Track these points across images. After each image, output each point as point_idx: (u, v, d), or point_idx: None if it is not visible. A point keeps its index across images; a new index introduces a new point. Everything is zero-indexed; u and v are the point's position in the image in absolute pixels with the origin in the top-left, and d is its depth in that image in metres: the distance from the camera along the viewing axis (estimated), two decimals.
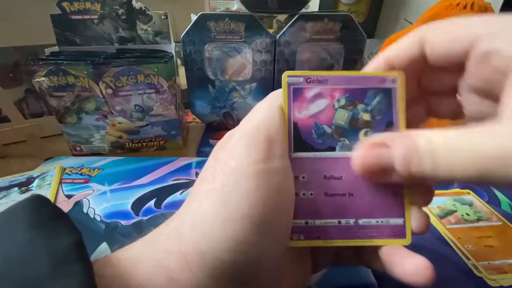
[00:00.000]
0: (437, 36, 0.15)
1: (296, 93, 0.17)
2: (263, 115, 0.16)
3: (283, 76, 0.17)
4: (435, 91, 0.18)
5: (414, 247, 0.16)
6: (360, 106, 0.17)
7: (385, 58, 0.17)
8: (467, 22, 0.14)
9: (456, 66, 0.15)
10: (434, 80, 0.17)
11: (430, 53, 0.16)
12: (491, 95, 0.14)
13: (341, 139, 0.17)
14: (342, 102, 0.17)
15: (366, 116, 0.17)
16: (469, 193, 0.35)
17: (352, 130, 0.17)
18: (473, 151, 0.12)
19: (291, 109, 0.17)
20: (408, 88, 0.17)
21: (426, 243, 0.28)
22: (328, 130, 0.17)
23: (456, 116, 0.17)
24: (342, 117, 0.17)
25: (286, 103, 0.17)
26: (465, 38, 0.14)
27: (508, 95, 0.12)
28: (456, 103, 0.17)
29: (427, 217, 0.17)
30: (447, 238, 0.29)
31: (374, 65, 0.17)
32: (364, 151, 0.15)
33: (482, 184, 0.12)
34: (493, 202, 0.34)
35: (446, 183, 0.13)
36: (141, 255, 0.15)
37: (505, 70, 0.13)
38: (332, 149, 0.17)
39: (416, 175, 0.13)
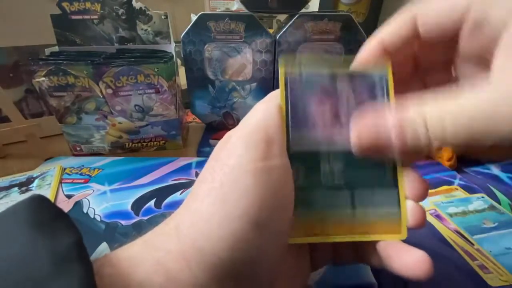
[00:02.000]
0: (428, 11, 0.15)
1: (292, 90, 0.17)
2: (262, 115, 0.16)
3: (280, 75, 0.17)
4: (430, 68, 0.18)
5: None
6: (353, 99, 0.17)
7: (379, 41, 0.17)
8: None
9: (449, 39, 0.15)
10: (429, 56, 0.17)
11: (423, 29, 0.16)
12: (485, 63, 0.14)
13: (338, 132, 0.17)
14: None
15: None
16: (457, 189, 0.35)
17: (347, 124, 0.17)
18: (463, 116, 0.12)
19: (288, 108, 0.17)
20: (404, 68, 0.17)
21: (426, 242, 0.28)
22: (325, 124, 0.17)
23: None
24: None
25: (283, 102, 0.17)
26: (456, 9, 0.14)
27: (498, 58, 0.13)
28: (452, 77, 0.17)
29: (422, 211, 0.17)
30: (448, 238, 0.29)
31: (368, 49, 0.17)
32: (359, 124, 0.15)
33: (474, 145, 0.13)
34: (493, 201, 0.34)
35: (441, 146, 0.14)
36: (141, 254, 0.15)
37: (496, 36, 0.13)
38: (329, 144, 0.17)
39: (411, 148, 0.14)
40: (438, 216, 0.31)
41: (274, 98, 0.17)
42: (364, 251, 0.19)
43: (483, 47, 0.14)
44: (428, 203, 0.33)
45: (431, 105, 0.13)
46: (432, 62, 0.18)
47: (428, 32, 0.16)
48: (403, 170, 0.17)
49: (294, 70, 0.17)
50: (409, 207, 0.17)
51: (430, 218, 0.31)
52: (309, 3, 0.42)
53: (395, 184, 0.17)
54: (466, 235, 0.29)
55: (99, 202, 0.34)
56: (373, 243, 0.18)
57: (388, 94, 0.17)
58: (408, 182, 0.17)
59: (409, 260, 0.16)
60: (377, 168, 0.17)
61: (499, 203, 0.34)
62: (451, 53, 0.16)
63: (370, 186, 0.17)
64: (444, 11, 0.15)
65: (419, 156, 0.18)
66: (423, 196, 0.17)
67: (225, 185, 0.14)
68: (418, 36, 0.16)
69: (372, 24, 0.75)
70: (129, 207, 0.33)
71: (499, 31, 0.13)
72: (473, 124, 0.12)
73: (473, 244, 0.28)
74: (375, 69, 0.17)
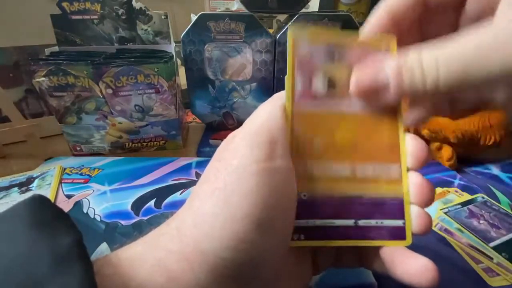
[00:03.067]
0: None
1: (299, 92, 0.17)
2: (266, 116, 0.16)
3: (286, 79, 0.17)
4: (436, 35, 0.18)
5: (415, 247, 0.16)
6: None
7: (386, 10, 0.17)
8: None
9: (457, 4, 0.16)
10: (435, 23, 0.18)
11: None
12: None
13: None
14: None
15: None
16: (449, 191, 0.35)
17: None
18: (455, 52, 0.13)
19: (293, 109, 0.17)
20: (410, 36, 0.18)
21: (427, 242, 0.28)
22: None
23: None
24: None
25: (289, 103, 0.17)
26: None
27: (499, 8, 0.13)
28: None
29: (428, 217, 0.17)
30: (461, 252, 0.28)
31: (377, 19, 0.18)
32: (359, 72, 0.16)
33: (467, 87, 0.13)
34: (493, 201, 0.34)
35: (436, 94, 0.14)
36: (142, 254, 0.15)
37: None
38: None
39: (408, 89, 0.14)
40: (446, 231, 0.30)
41: (279, 99, 0.17)
42: (366, 256, 0.19)
43: (491, 4, 0.14)
44: (433, 214, 0.32)
45: (428, 48, 0.14)
46: (438, 31, 0.18)
47: None
48: (409, 175, 0.17)
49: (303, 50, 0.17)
50: (414, 213, 0.17)
51: (439, 233, 0.30)
52: (309, 3, 0.42)
53: (400, 190, 0.17)
54: (481, 247, 0.28)
55: (99, 202, 0.34)
56: (376, 248, 0.17)
57: None
58: (413, 187, 0.17)
59: (413, 267, 0.15)
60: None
61: (499, 203, 0.34)
62: (458, 17, 0.17)
63: (374, 193, 0.17)
64: None
65: (420, 103, 0.18)
66: (429, 202, 0.17)
67: (228, 186, 0.14)
68: (425, 2, 0.17)
69: None
70: (129, 207, 0.33)
71: None
72: (466, 58, 0.13)
73: (492, 258, 0.27)
74: (380, 43, 0.17)
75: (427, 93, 0.14)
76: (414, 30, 0.18)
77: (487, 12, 0.15)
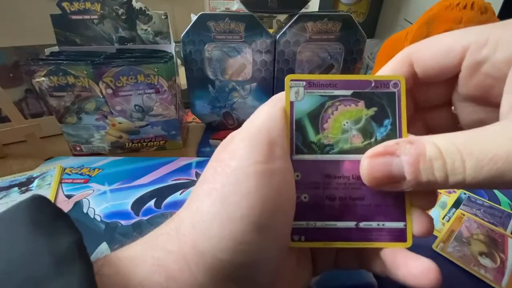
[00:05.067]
0: (425, 53, 0.16)
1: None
2: (266, 117, 0.16)
3: (286, 79, 0.17)
4: (430, 107, 0.18)
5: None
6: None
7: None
8: (453, 35, 0.15)
9: (447, 79, 0.16)
10: (428, 96, 0.18)
11: (421, 70, 0.16)
12: (486, 101, 0.15)
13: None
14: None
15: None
16: (440, 193, 0.35)
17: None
18: (484, 153, 0.12)
19: (293, 112, 0.17)
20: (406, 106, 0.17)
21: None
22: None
23: (453, 129, 0.18)
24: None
25: (288, 106, 0.17)
26: (454, 51, 0.15)
27: (507, 95, 0.13)
28: (452, 115, 0.18)
29: (430, 220, 0.17)
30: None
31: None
32: (371, 161, 0.15)
33: (495, 187, 0.12)
34: (493, 202, 0.34)
35: (457, 188, 0.14)
36: (141, 254, 0.15)
37: (497, 74, 0.13)
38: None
39: (426, 184, 0.13)
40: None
41: (278, 101, 0.17)
42: (367, 258, 0.19)
43: (484, 85, 0.14)
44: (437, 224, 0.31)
45: (446, 141, 0.13)
46: (431, 102, 0.18)
47: (426, 73, 0.16)
48: None
49: (300, 82, 0.17)
50: (415, 215, 0.17)
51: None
52: (309, 3, 0.42)
53: (401, 193, 0.17)
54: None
55: (99, 202, 0.34)
56: (377, 250, 0.17)
57: (400, 111, 0.17)
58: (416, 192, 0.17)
59: (415, 268, 0.15)
60: None
61: (499, 203, 0.34)
62: (450, 91, 0.17)
63: (375, 195, 0.17)
64: (442, 53, 0.15)
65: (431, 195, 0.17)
66: (431, 204, 0.17)
67: (226, 186, 0.14)
68: (415, 77, 0.17)
69: (372, 24, 0.75)
70: (129, 207, 0.33)
71: (503, 71, 0.13)
72: (497, 163, 0.11)
73: None
74: (388, 83, 0.17)
75: (445, 188, 0.13)
76: (407, 103, 0.18)
77: (482, 94, 0.15)
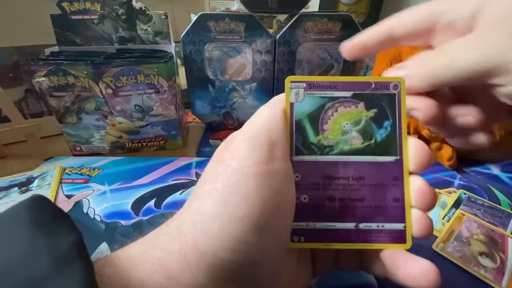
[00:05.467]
0: (404, 20, 0.19)
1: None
2: (266, 118, 0.16)
3: (286, 81, 0.17)
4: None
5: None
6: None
7: (360, 41, 0.20)
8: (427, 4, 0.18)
9: (421, 40, 0.18)
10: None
11: (400, 34, 0.19)
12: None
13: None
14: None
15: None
16: (440, 193, 0.35)
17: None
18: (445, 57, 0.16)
19: (293, 113, 0.17)
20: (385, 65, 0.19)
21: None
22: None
23: None
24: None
25: (288, 107, 0.17)
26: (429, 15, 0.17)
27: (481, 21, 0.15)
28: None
29: (429, 221, 0.17)
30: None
31: (350, 51, 0.21)
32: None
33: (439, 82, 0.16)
34: (493, 201, 0.34)
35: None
36: (142, 254, 0.15)
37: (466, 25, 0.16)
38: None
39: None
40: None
41: (279, 102, 0.17)
42: (366, 259, 0.19)
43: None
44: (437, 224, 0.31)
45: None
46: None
47: (404, 36, 0.18)
48: (410, 178, 0.17)
49: (300, 83, 0.17)
50: (415, 217, 0.17)
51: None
52: (309, 3, 0.42)
53: (401, 195, 0.17)
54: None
55: (99, 202, 0.34)
56: (376, 252, 0.17)
57: (400, 112, 0.17)
58: (415, 191, 0.17)
59: (415, 269, 0.15)
60: (383, 176, 0.17)
61: (499, 203, 0.34)
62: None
63: (375, 197, 0.17)
64: (418, 18, 0.18)
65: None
66: (430, 206, 0.17)
67: (227, 187, 0.14)
68: (393, 36, 0.19)
69: (372, 24, 0.75)
70: (129, 207, 0.33)
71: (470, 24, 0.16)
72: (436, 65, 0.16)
73: None
74: (389, 85, 0.17)
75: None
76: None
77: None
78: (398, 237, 0.17)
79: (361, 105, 0.17)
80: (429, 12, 0.18)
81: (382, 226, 0.17)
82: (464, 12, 0.16)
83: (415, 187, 0.17)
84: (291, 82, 0.17)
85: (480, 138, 0.18)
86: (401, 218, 0.17)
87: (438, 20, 0.17)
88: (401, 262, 0.16)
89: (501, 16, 0.15)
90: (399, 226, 0.17)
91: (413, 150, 0.17)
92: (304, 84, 0.17)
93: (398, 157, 0.17)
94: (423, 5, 0.18)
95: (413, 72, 0.17)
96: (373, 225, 0.17)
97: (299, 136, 0.17)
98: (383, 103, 0.17)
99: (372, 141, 0.17)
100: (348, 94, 0.17)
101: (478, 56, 0.15)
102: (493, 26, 0.15)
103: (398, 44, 0.19)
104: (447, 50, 0.16)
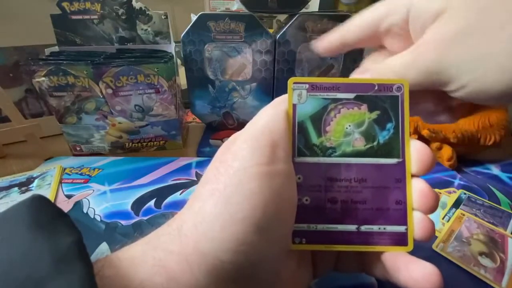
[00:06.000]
0: (352, 26, 0.20)
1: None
2: (268, 119, 0.16)
3: (288, 82, 0.17)
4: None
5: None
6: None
7: (339, 33, 0.20)
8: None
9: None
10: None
11: (351, 41, 0.20)
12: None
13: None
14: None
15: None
16: (440, 193, 0.35)
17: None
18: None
19: (296, 114, 0.17)
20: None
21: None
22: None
23: None
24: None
25: (291, 108, 0.17)
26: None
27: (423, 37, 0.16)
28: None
29: (431, 224, 0.17)
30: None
31: (330, 43, 0.21)
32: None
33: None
34: (493, 201, 0.34)
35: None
36: (142, 254, 0.15)
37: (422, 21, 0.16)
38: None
39: None
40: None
41: (282, 103, 0.17)
42: (367, 261, 0.19)
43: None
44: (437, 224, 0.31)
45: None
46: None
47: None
48: (413, 181, 0.17)
49: (303, 84, 0.17)
50: (417, 219, 0.17)
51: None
52: (309, 3, 0.42)
53: (403, 197, 0.17)
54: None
55: (99, 202, 0.34)
56: (378, 254, 0.17)
57: (403, 114, 0.17)
58: (417, 193, 0.17)
59: (417, 272, 0.15)
60: (385, 179, 0.17)
61: (499, 203, 0.34)
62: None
63: (377, 199, 0.17)
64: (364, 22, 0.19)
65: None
66: (432, 208, 0.17)
67: (228, 187, 0.14)
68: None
69: None
70: (129, 207, 0.33)
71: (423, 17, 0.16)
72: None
73: None
74: (392, 87, 0.17)
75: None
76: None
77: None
78: (400, 240, 0.17)
79: (364, 107, 0.17)
80: (372, 16, 0.19)
81: (384, 228, 0.17)
82: (397, 17, 0.17)
83: (417, 189, 0.17)
84: (294, 83, 0.17)
85: (442, 118, 0.20)
86: (403, 220, 0.17)
87: (380, 24, 0.18)
88: (403, 264, 0.16)
89: (428, 19, 0.16)
90: (400, 228, 0.17)
91: (416, 152, 0.17)
92: (307, 86, 0.17)
93: (400, 160, 0.17)
94: (369, 10, 0.19)
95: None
96: (375, 228, 0.17)
97: (301, 138, 0.17)
98: (386, 105, 0.17)
99: (375, 143, 0.17)
100: (351, 95, 0.17)
101: (418, 75, 0.16)
102: (424, 38, 0.16)
103: (353, 48, 0.21)
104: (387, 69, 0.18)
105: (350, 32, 0.20)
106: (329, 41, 0.21)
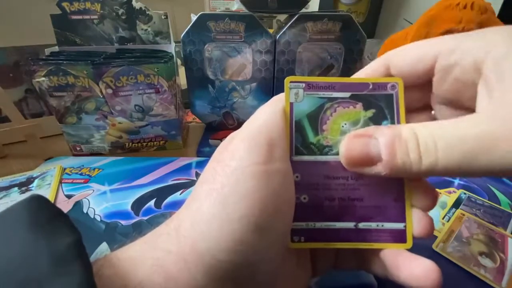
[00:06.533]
0: (401, 57, 0.17)
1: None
2: (266, 118, 0.16)
3: (285, 81, 0.17)
4: (411, 110, 0.18)
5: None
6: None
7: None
8: (429, 42, 0.16)
9: (423, 84, 0.16)
10: (408, 99, 0.18)
11: (396, 73, 0.17)
12: (460, 104, 0.16)
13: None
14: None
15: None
16: (440, 193, 0.35)
17: None
18: (455, 138, 0.12)
19: (293, 113, 0.17)
20: None
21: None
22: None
23: None
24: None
25: (288, 107, 0.17)
26: (427, 56, 0.15)
27: (481, 94, 0.13)
28: (432, 118, 0.18)
29: (430, 221, 0.17)
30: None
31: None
32: (349, 141, 0.16)
33: (468, 171, 0.13)
34: (493, 201, 0.34)
35: (428, 175, 0.14)
36: (141, 254, 0.15)
37: (466, 79, 0.14)
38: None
39: (401, 167, 0.14)
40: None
41: (279, 102, 0.17)
42: (366, 259, 0.19)
43: (455, 89, 0.15)
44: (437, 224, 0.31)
45: (422, 127, 0.14)
46: (411, 104, 0.18)
47: (400, 75, 0.17)
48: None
49: (300, 83, 0.17)
50: (416, 216, 0.17)
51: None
52: (309, 3, 0.42)
53: (401, 194, 0.17)
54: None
55: (99, 202, 0.34)
56: (377, 251, 0.17)
57: (398, 113, 0.17)
58: (415, 190, 0.17)
59: (417, 269, 0.15)
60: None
61: (499, 203, 0.34)
62: (427, 95, 0.17)
63: (375, 196, 0.17)
64: (417, 58, 0.16)
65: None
66: (431, 205, 0.17)
67: (226, 187, 0.14)
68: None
69: (372, 24, 0.75)
70: (129, 207, 0.33)
71: (471, 75, 0.14)
72: (468, 147, 0.12)
73: None
74: (386, 85, 0.17)
75: (420, 173, 0.13)
76: None
77: (456, 97, 0.15)
78: (398, 237, 0.17)
79: (359, 105, 0.17)
80: (428, 51, 0.16)
81: (382, 225, 0.17)
82: (465, 62, 0.14)
83: (415, 186, 0.17)
84: (291, 82, 0.17)
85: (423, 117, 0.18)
86: (401, 217, 0.17)
87: (438, 61, 0.15)
88: (402, 261, 0.16)
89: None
90: (399, 225, 0.17)
91: None
92: (304, 85, 0.17)
93: None
94: (427, 41, 0.16)
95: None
96: (373, 225, 0.17)
97: (298, 136, 0.17)
98: (381, 103, 0.17)
99: None
100: (347, 94, 0.17)
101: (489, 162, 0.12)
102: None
103: None
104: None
105: (397, 68, 0.17)
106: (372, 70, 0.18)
